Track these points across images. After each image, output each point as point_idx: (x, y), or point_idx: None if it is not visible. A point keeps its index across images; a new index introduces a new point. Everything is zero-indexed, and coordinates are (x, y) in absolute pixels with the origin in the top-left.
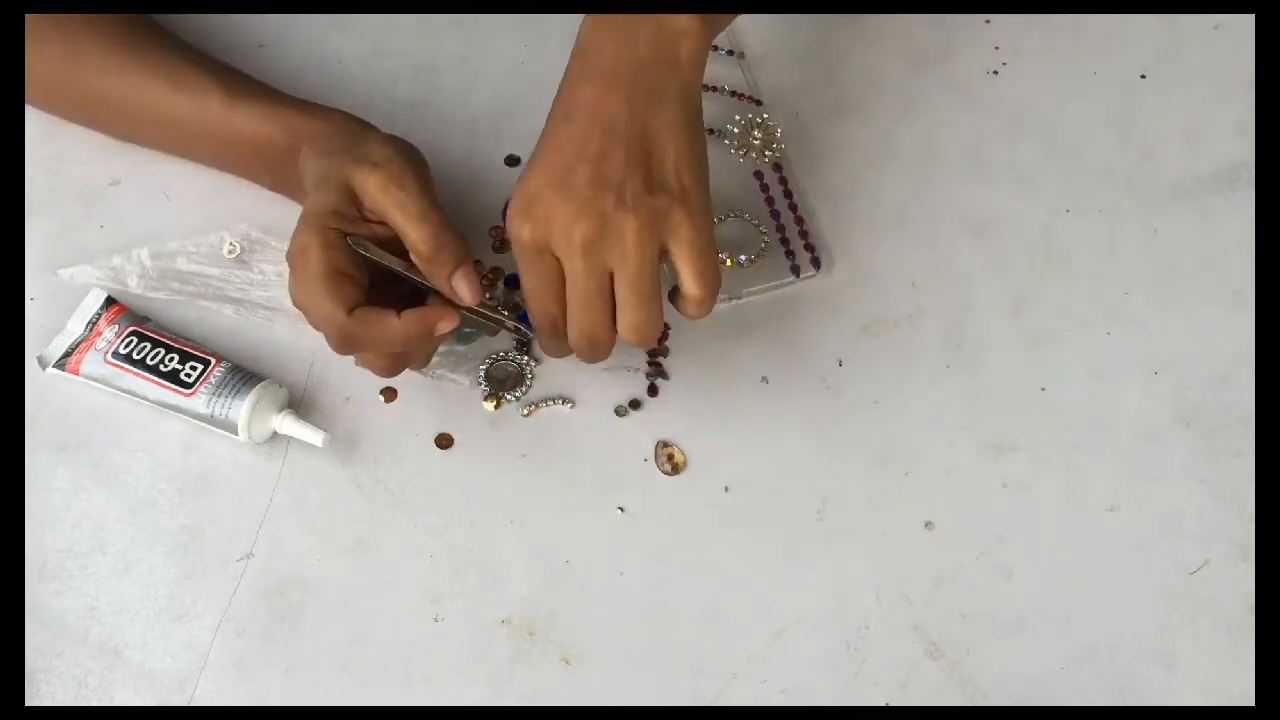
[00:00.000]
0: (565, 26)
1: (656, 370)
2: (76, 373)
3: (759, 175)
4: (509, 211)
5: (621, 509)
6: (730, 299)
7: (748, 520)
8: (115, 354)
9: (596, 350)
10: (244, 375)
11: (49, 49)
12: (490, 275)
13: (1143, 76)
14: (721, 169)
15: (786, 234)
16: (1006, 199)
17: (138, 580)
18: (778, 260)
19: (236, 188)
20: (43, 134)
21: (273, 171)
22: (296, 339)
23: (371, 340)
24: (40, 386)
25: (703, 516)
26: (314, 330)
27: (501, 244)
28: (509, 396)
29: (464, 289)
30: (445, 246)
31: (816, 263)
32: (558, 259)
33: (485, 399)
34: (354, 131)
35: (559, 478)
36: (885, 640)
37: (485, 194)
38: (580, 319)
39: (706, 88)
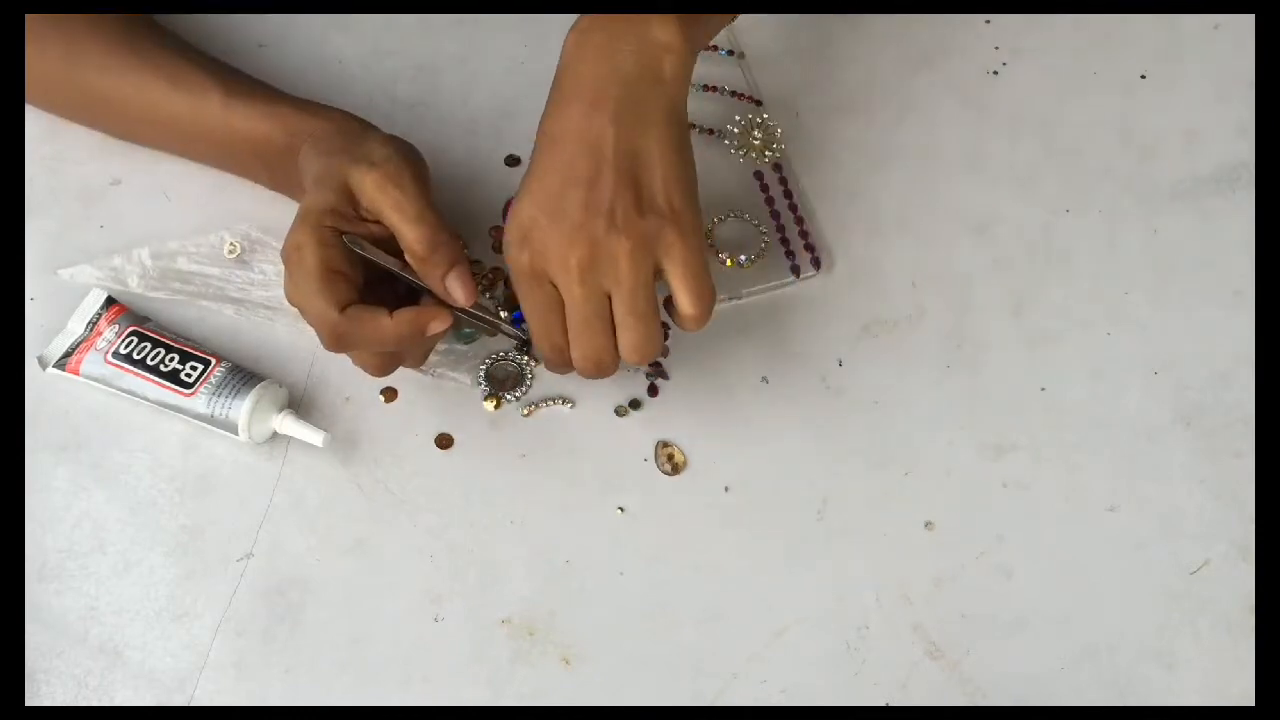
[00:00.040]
0: (565, 26)
1: (656, 370)
2: (77, 373)
3: (759, 175)
4: (506, 239)
5: (621, 509)
6: (730, 299)
7: (748, 520)
8: (115, 354)
9: (601, 371)
10: (244, 375)
11: (49, 49)
12: (490, 275)
13: (1143, 76)
14: (721, 169)
15: (786, 234)
16: (1006, 199)
17: (138, 580)
18: (778, 260)
19: (236, 187)
20: (43, 134)
21: (272, 171)
22: (296, 339)
23: (363, 338)
24: (40, 386)
25: (703, 516)
26: (312, 329)
27: (501, 244)
28: (509, 396)
29: (458, 290)
30: (440, 247)
31: (816, 263)
32: (556, 286)
33: (485, 399)
34: (354, 131)
35: (559, 478)
36: (885, 640)
37: (485, 194)
38: (583, 343)
39: (707, 88)
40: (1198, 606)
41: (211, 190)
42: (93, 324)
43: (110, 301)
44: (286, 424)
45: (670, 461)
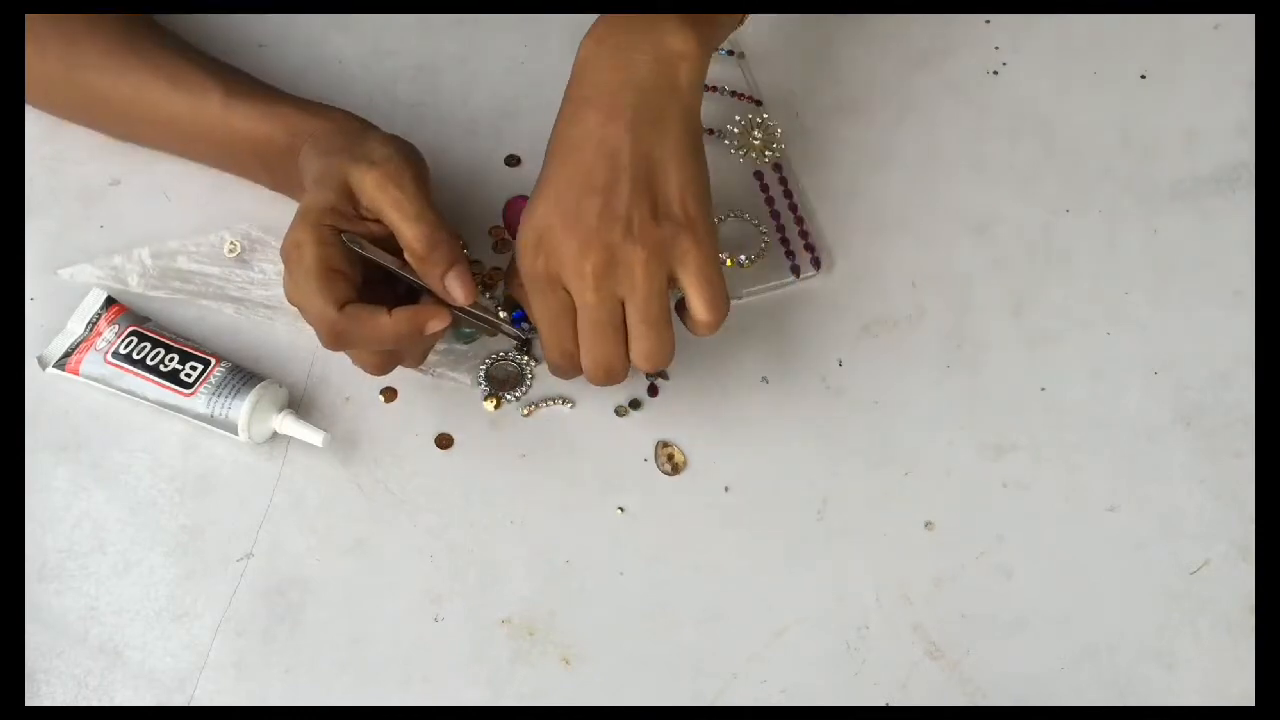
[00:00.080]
0: (565, 26)
1: (657, 371)
2: (76, 373)
3: (759, 175)
4: (519, 244)
5: (621, 509)
6: (730, 299)
7: (748, 520)
8: (115, 354)
9: (612, 378)
10: (244, 375)
11: (49, 49)
12: (490, 275)
13: (1143, 76)
14: (721, 169)
15: (786, 234)
16: (1006, 199)
17: (138, 580)
18: (778, 260)
19: (236, 187)
20: (43, 134)
21: (273, 170)
22: (296, 338)
23: (362, 337)
24: (40, 386)
25: (703, 516)
26: (312, 328)
27: (501, 244)
28: (509, 396)
29: (457, 289)
30: (439, 246)
31: (816, 263)
32: (569, 292)
33: (485, 399)
34: (354, 130)
35: (559, 478)
36: (885, 640)
37: (485, 194)
38: (594, 350)
39: (707, 88)
40: (1198, 606)
41: (211, 190)
42: (92, 324)
43: (110, 301)
44: (286, 424)
45: (670, 461)
